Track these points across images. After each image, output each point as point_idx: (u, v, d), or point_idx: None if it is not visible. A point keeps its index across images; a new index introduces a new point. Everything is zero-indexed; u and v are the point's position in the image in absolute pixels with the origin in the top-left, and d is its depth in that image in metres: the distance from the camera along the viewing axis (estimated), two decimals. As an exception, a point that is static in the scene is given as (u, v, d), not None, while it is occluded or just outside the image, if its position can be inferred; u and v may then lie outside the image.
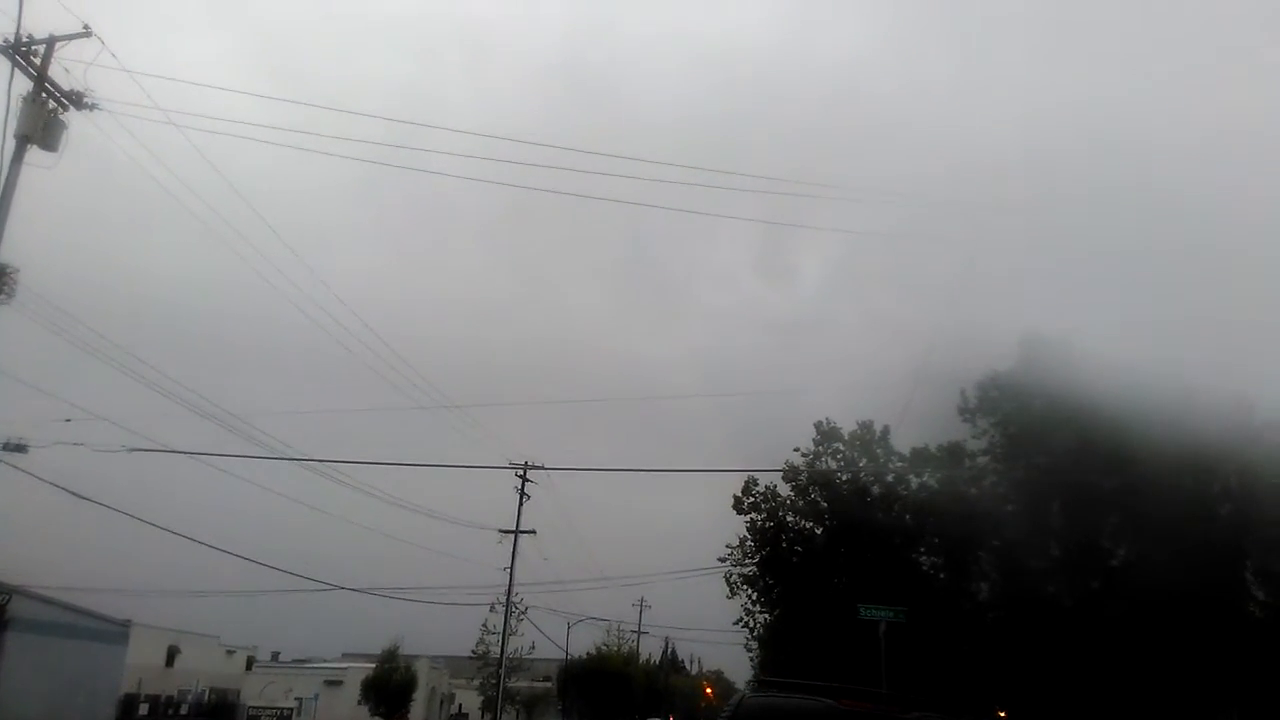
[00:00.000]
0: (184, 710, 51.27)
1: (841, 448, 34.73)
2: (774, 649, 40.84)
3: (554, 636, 62.22)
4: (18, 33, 16.97)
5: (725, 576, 36.84)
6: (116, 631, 45.32)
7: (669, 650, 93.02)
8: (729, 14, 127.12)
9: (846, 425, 34.86)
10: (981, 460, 30.35)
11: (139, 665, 49.56)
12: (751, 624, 38.55)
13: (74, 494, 23.11)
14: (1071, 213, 28.76)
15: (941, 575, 32.04)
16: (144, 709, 48.76)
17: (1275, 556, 25.24)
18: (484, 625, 52.44)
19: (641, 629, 75.45)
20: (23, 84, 17.27)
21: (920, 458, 32.49)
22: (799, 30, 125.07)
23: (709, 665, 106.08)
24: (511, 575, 43.51)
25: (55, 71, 17.50)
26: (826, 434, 34.77)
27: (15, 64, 16.81)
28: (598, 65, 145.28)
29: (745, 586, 36.60)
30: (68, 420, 23.58)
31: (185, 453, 26.71)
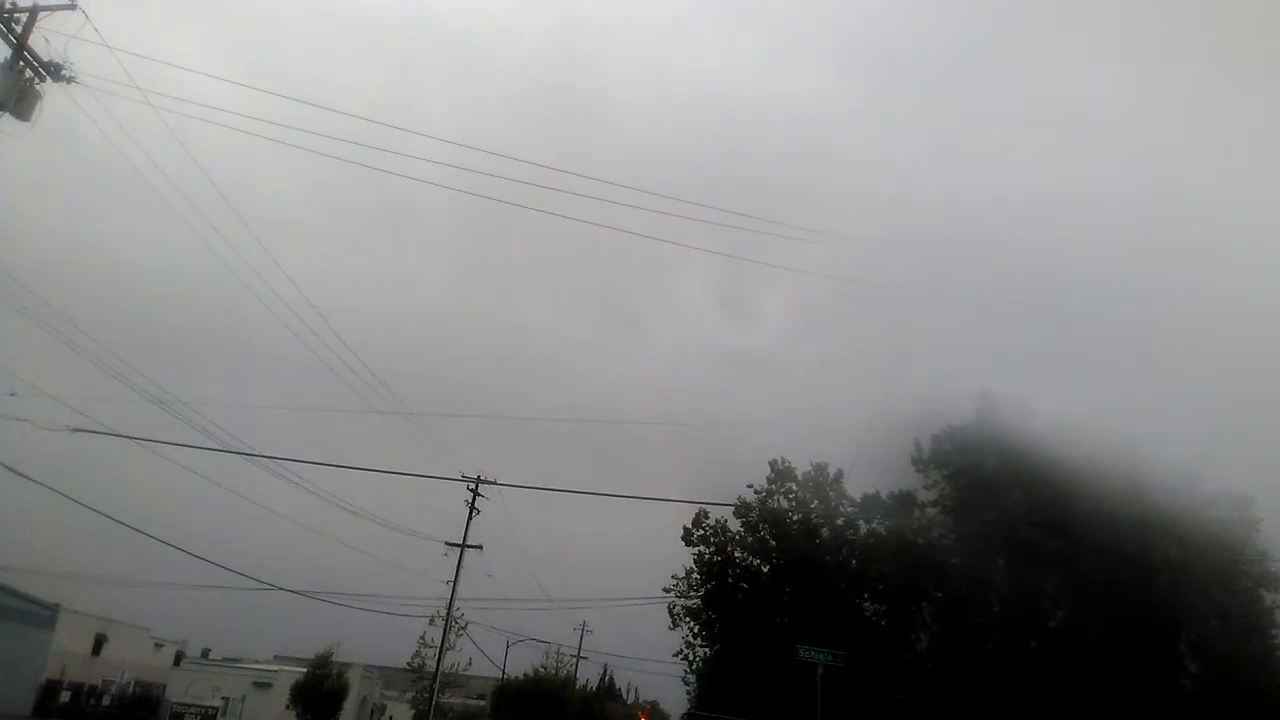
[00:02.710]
0: (106, 701, 49.90)
1: (795, 488, 34.84)
2: (711, 683, 40.64)
3: (492, 654, 61.60)
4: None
5: (669, 607, 36.72)
6: (44, 615, 44.18)
7: (607, 677, 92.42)
8: (706, 57, 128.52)
9: (801, 466, 35.03)
10: (931, 511, 30.62)
11: (64, 651, 48.28)
12: (691, 657, 38.39)
13: (11, 469, 22.58)
14: (1037, 286, 29.35)
15: (883, 623, 32.13)
16: (66, 696, 47.44)
17: (1209, 629, 25.60)
18: (422, 637, 51.77)
19: (581, 654, 74.87)
20: (1, 51, 17.07)
21: (871, 504, 32.69)
22: (770, 80, 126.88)
23: (646, 695, 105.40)
24: (454, 589, 43.04)
25: (35, 41, 17.29)
26: (781, 473, 34.88)
27: (-6, 29, 16.59)
28: (575, 90, 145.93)
29: (688, 619, 36.47)
30: (12, 394, 23.10)
31: (129, 437, 26.22)
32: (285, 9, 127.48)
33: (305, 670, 53.22)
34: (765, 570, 34.72)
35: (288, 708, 51.84)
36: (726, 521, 35.39)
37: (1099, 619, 24.82)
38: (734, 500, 34.54)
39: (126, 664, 55.62)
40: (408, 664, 54.15)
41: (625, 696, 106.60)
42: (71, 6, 17.30)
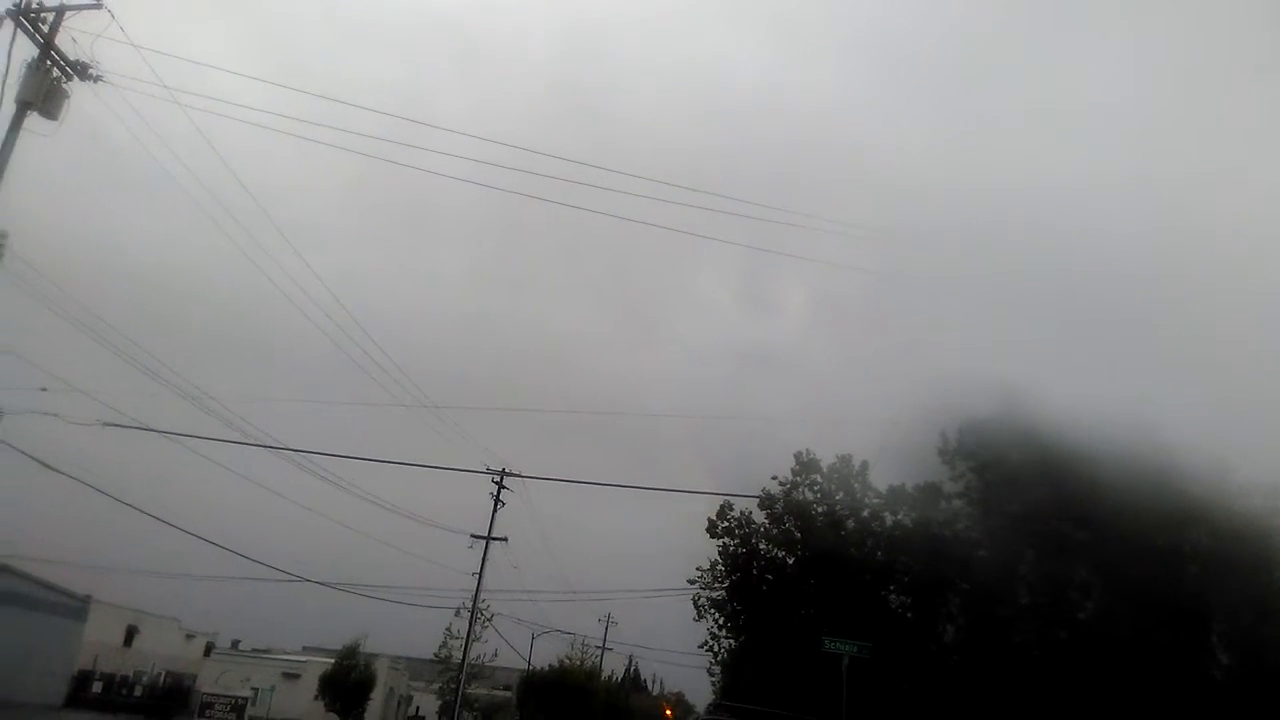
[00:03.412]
0: (137, 692, 50.52)
1: (819, 479, 34.68)
2: (736, 675, 40.69)
3: (518, 645, 61.99)
4: (27, -3, 16.93)
5: (694, 599, 36.77)
6: (76, 606, 44.79)
7: (632, 668, 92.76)
8: (715, 46, 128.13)
9: (826, 457, 34.87)
10: (957, 503, 30.34)
11: (96, 643, 49.00)
12: (716, 648, 38.44)
13: (43, 464, 22.87)
14: (1059, 274, 29.02)
15: (909, 615, 31.96)
16: (98, 687, 48.09)
17: (1242, 619, 25.25)
18: (448, 629, 52.18)
19: (606, 645, 75.11)
20: (28, 50, 17.25)
21: (897, 495, 32.47)
22: (781, 70, 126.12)
23: (671, 687, 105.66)
24: (480, 581, 43.27)
25: (62, 40, 17.46)
26: (805, 465, 34.73)
27: (20, 27, 16.74)
28: (588, 86, 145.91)
29: (713, 610, 36.51)
30: (43, 389, 23.37)
31: (159, 431, 26.51)
32: (307, 5, 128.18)
33: (333, 661, 53.74)
34: (790, 562, 34.62)
35: (316, 698, 52.41)
36: (751, 513, 35.35)
37: (1129, 610, 24.57)
38: (758, 492, 34.50)
39: (157, 655, 56.41)
40: (434, 655, 54.63)
41: (650, 688, 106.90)
42: (97, 5, 17.44)
